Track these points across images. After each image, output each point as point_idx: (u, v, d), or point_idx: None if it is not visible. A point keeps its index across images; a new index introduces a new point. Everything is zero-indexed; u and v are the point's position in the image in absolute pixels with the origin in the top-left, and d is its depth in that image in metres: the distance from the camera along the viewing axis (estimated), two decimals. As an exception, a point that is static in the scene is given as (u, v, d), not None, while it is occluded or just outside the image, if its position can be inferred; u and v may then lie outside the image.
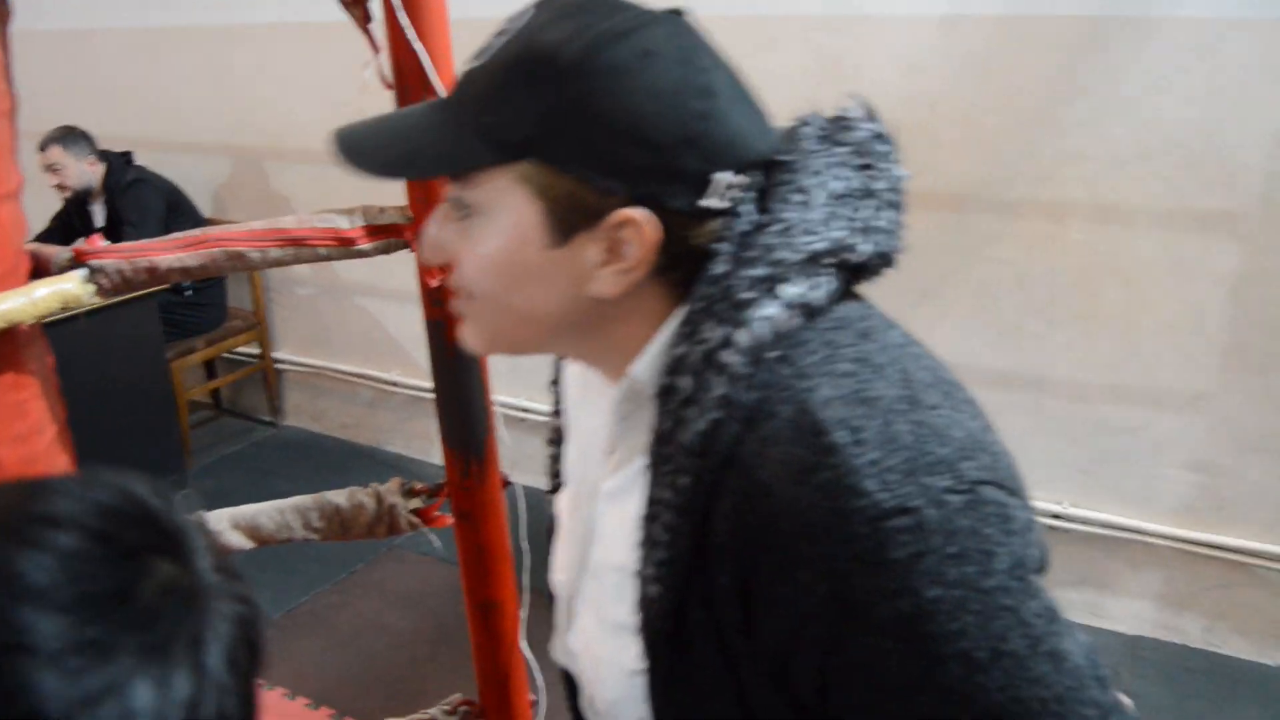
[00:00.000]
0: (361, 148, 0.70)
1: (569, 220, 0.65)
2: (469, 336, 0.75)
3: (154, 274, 1.11)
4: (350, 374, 3.82)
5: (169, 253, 1.11)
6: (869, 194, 0.68)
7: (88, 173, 3.57)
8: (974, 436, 0.61)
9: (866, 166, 0.69)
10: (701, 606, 0.66)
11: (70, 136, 3.53)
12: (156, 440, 3.42)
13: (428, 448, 3.72)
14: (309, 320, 3.92)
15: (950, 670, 0.57)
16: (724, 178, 0.65)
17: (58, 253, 1.14)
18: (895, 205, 0.70)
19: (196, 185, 3.80)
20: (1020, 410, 2.60)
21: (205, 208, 3.85)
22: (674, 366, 0.65)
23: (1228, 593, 2.51)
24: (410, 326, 3.36)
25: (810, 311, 0.65)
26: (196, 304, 3.71)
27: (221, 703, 0.49)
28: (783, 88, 2.48)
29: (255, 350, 3.97)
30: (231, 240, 1.14)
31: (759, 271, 0.64)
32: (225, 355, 3.97)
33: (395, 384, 3.70)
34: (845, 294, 0.68)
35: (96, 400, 3.09)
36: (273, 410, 4.07)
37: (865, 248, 0.67)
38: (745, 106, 0.67)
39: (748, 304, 0.63)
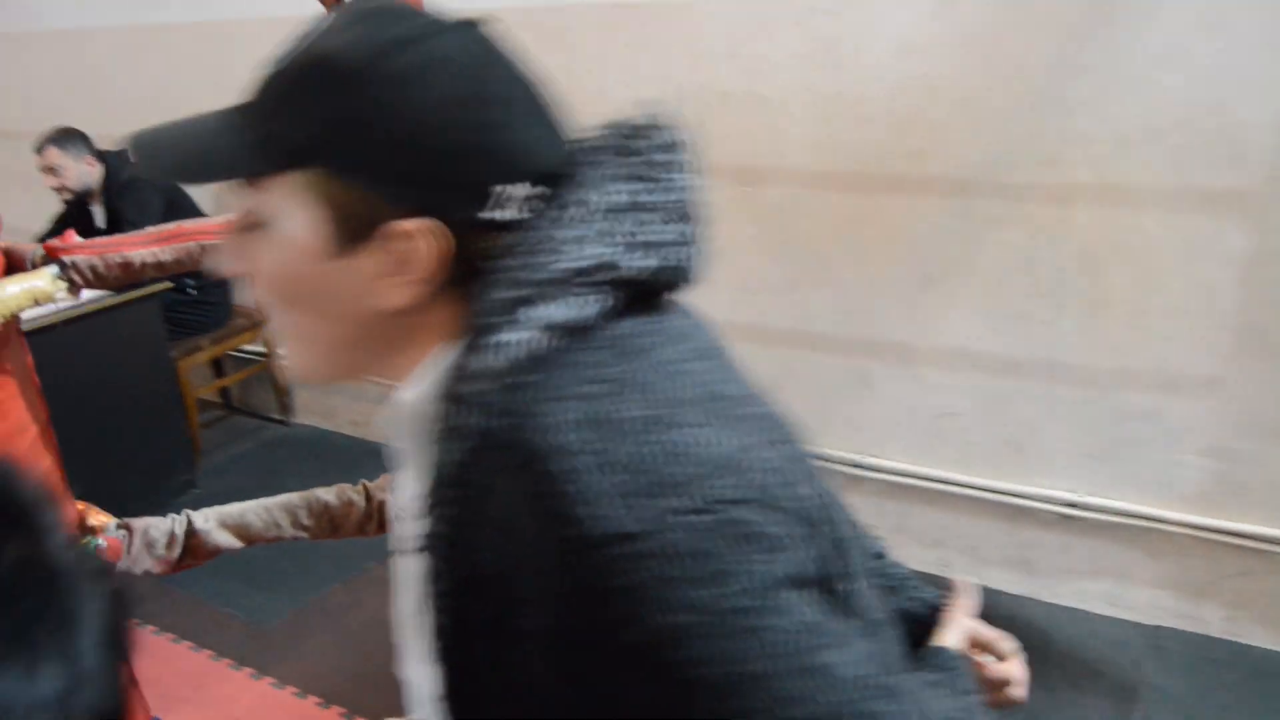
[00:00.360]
0: (155, 150, 0.68)
1: (352, 230, 0.63)
2: (285, 360, 0.72)
3: (128, 269, 1.10)
4: (357, 371, 3.81)
5: (142, 247, 1.09)
6: (649, 207, 0.65)
7: (86, 173, 3.55)
8: (730, 455, 0.58)
9: (651, 178, 0.66)
10: (481, 638, 0.63)
11: (67, 137, 3.52)
12: (166, 441, 3.42)
13: (436, 444, 3.70)
14: (314, 318, 3.90)
15: (697, 698, 0.55)
16: (506, 190, 0.63)
17: (32, 250, 1.13)
18: (684, 217, 0.67)
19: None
20: (1031, 398, 2.57)
21: (206, 206, 3.84)
22: (439, 391, 0.63)
23: (1248, 581, 2.47)
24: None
25: (571, 332, 0.61)
26: (201, 302, 3.69)
27: (99, 694, 0.44)
28: (778, 74, 2.45)
29: (261, 348, 3.97)
30: (206, 233, 1.12)
31: (506, 294, 0.61)
32: (232, 353, 3.97)
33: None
34: (637, 308, 0.65)
35: (103, 402, 3.10)
36: (283, 408, 4.07)
37: (642, 263, 0.64)
38: (539, 118, 0.65)
39: (491, 328, 0.60)
